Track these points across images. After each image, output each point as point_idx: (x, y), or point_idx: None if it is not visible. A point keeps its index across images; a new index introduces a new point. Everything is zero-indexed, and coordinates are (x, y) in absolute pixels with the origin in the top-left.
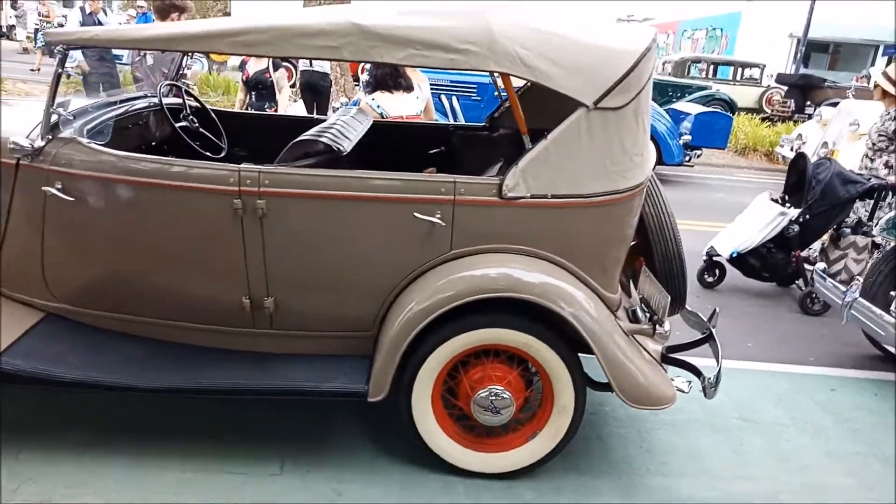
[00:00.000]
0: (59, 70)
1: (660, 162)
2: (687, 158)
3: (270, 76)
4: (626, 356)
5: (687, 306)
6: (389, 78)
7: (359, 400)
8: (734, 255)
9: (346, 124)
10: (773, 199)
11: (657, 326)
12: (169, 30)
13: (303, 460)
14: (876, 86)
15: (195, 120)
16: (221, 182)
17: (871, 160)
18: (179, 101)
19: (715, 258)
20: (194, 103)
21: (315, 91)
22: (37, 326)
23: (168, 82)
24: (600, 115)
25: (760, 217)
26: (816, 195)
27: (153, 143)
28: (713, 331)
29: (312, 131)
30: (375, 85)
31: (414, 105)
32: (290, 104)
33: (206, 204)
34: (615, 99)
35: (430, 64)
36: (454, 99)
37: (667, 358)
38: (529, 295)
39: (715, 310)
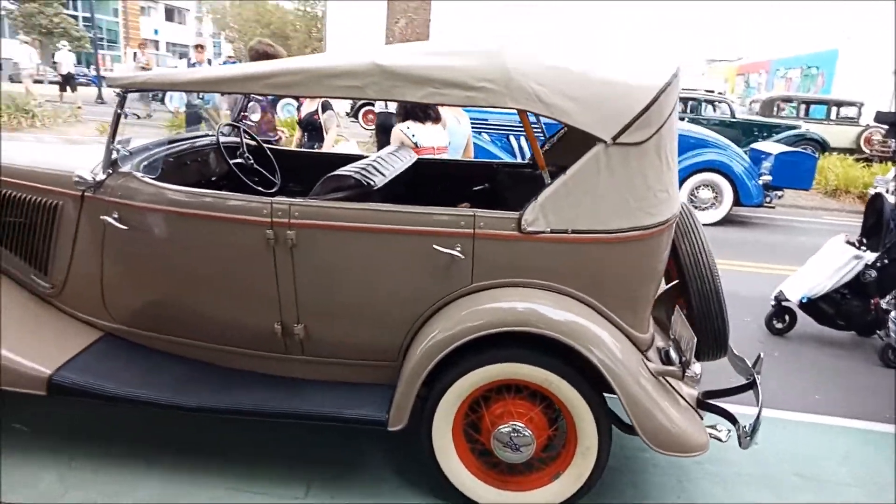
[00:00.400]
0: (119, 111)
1: (737, 203)
2: (767, 200)
3: (318, 118)
4: (651, 399)
5: (736, 351)
6: (419, 109)
7: (379, 428)
8: (804, 301)
9: (383, 160)
10: (848, 242)
11: (686, 369)
12: (212, 73)
13: (328, 486)
14: None
15: (250, 157)
16: (255, 213)
17: None
18: (238, 139)
19: (784, 303)
20: (251, 142)
21: (389, 132)
22: (95, 344)
23: (227, 122)
24: (620, 150)
25: (833, 260)
26: (895, 239)
27: (212, 179)
28: (756, 377)
29: (349, 167)
30: (405, 115)
31: (443, 137)
32: (335, 145)
33: (241, 234)
34: (635, 134)
35: (449, 101)
36: (523, 139)
37: (703, 403)
38: (554, 332)
39: (759, 355)
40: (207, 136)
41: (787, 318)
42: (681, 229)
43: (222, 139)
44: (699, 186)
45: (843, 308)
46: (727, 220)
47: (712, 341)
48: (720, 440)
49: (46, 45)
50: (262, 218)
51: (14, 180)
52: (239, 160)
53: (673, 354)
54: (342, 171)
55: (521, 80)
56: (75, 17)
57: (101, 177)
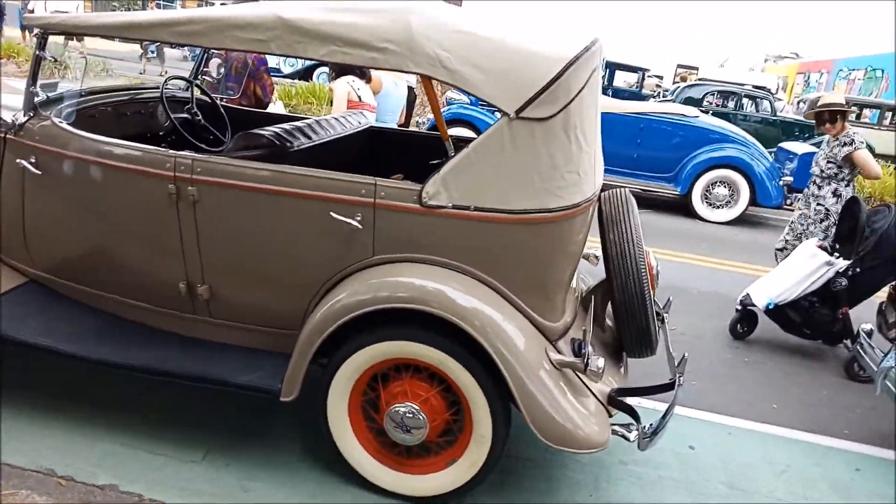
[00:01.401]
0: (38, 52)
1: (754, 203)
2: (788, 202)
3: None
4: (544, 390)
5: (672, 350)
6: (357, 66)
7: (271, 397)
8: (770, 307)
9: (318, 124)
10: (821, 247)
11: (589, 363)
12: (123, 19)
13: (225, 452)
14: (819, 115)
15: (198, 113)
16: (158, 166)
17: (819, 187)
18: (204, 97)
19: (749, 307)
20: (204, 98)
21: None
22: (15, 290)
23: (172, 75)
24: (524, 125)
25: (803, 266)
26: (869, 247)
27: (160, 133)
28: (678, 378)
29: (271, 127)
30: (341, 70)
31: (372, 96)
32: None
33: (146, 186)
34: (539, 109)
35: (353, 61)
36: None
37: (613, 400)
38: (445, 312)
39: (684, 355)
40: (154, 88)
41: (748, 322)
42: (611, 218)
43: (178, 94)
44: (715, 183)
45: (812, 317)
46: (742, 220)
47: (635, 338)
48: (627, 439)
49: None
50: (165, 171)
51: None
52: (185, 115)
53: (586, 347)
54: (259, 130)
55: (424, 43)
56: None
57: (21, 120)
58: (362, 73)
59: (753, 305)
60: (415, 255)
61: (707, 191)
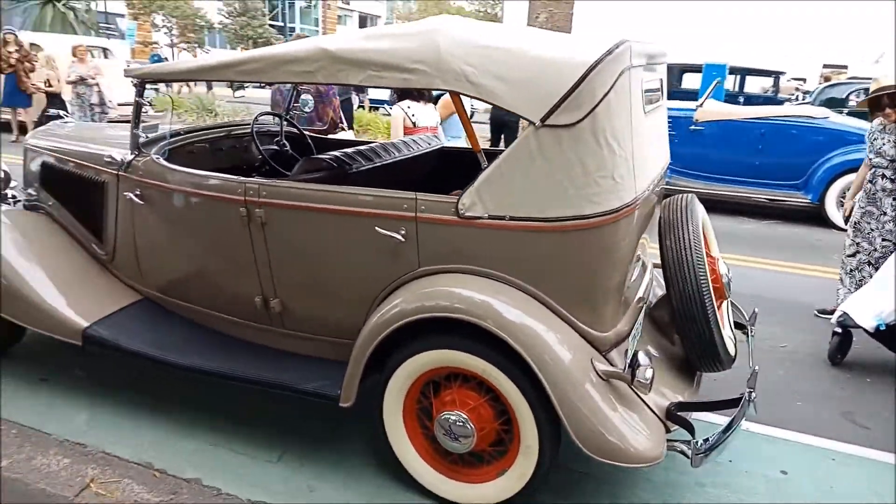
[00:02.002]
0: (138, 99)
1: None
2: None
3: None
4: (587, 400)
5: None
6: (415, 89)
7: (332, 403)
8: (881, 327)
9: (385, 148)
10: None
11: (636, 374)
12: (199, 64)
13: (300, 456)
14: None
15: (286, 144)
16: (231, 192)
17: (892, 181)
18: (292, 129)
19: (850, 328)
20: (293, 130)
21: (502, 125)
22: (130, 306)
23: (263, 112)
24: (551, 133)
25: None
26: None
27: (255, 165)
28: (748, 394)
29: (336, 151)
30: (402, 94)
31: (435, 116)
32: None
33: (223, 210)
34: (564, 116)
35: (388, 84)
36: None
37: (672, 414)
38: (481, 320)
39: (754, 370)
40: (248, 124)
41: (846, 346)
42: (668, 223)
43: (271, 128)
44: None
45: None
46: None
47: (699, 349)
48: (685, 455)
49: None
50: (236, 196)
51: (81, 161)
52: (274, 147)
53: (642, 358)
54: (322, 155)
55: (450, 60)
56: (281, 27)
57: (128, 158)
58: (420, 94)
59: (855, 326)
60: (458, 265)
61: (843, 197)
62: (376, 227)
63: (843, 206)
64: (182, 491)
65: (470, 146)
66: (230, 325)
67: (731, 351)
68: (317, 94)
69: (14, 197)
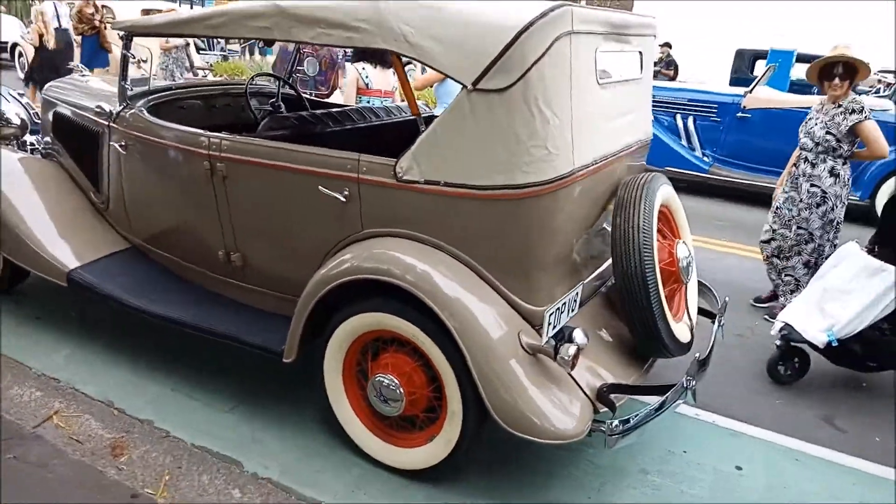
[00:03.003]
0: (124, 52)
1: None
2: None
3: None
4: (506, 371)
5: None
6: (373, 52)
7: (276, 358)
8: (833, 343)
9: (361, 113)
10: (869, 251)
11: (559, 350)
12: (173, 18)
13: (253, 407)
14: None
15: (282, 105)
16: (198, 145)
17: (813, 165)
18: (293, 92)
19: (795, 344)
20: (291, 92)
21: None
22: (117, 254)
23: (260, 72)
24: (482, 97)
25: (866, 286)
26: None
27: (249, 124)
28: (686, 381)
29: (309, 112)
30: (359, 55)
31: (391, 81)
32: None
33: (191, 163)
34: (495, 80)
35: (334, 42)
36: (690, 120)
37: (601, 394)
38: (406, 283)
39: (696, 356)
40: (243, 83)
41: (797, 362)
42: (620, 202)
43: (271, 88)
44: None
45: (878, 346)
46: None
47: (641, 332)
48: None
49: None
50: (201, 150)
51: (81, 112)
52: (268, 107)
53: (578, 335)
54: (290, 113)
55: (390, 19)
56: None
57: (116, 109)
58: (383, 59)
59: (801, 342)
60: (397, 230)
61: None
62: (319, 187)
63: None
64: (133, 430)
65: None
66: (200, 276)
67: (683, 338)
68: (329, 61)
69: (32, 144)
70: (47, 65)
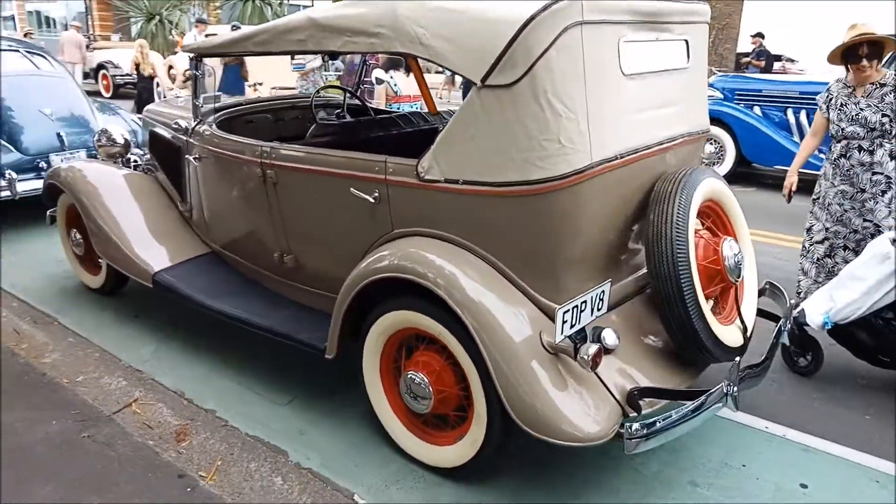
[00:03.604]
0: (194, 72)
1: None
2: None
3: None
4: (525, 371)
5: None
6: (397, 58)
7: (320, 354)
8: (827, 326)
9: (406, 118)
10: (893, 241)
11: (580, 349)
12: (228, 38)
13: (308, 403)
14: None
15: (346, 116)
16: (252, 154)
17: (870, 152)
18: (358, 103)
19: (805, 328)
20: (355, 102)
21: None
22: (197, 258)
23: (327, 84)
24: (492, 93)
25: (872, 270)
26: None
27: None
28: (726, 387)
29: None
30: (389, 65)
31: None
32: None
33: (248, 171)
34: (502, 76)
35: (360, 49)
36: (802, 114)
37: (631, 397)
38: (418, 278)
39: (737, 362)
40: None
41: (810, 351)
42: (655, 198)
43: (335, 99)
44: None
45: (887, 338)
46: None
47: (677, 332)
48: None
49: None
50: (255, 158)
51: (167, 128)
52: (333, 118)
53: (607, 335)
54: (336, 121)
55: (405, 23)
56: None
57: (191, 125)
58: (401, 65)
59: (807, 325)
60: (424, 229)
61: None
62: (351, 189)
63: None
64: (198, 419)
65: None
66: (263, 277)
67: (733, 342)
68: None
69: (135, 161)
70: (144, 91)
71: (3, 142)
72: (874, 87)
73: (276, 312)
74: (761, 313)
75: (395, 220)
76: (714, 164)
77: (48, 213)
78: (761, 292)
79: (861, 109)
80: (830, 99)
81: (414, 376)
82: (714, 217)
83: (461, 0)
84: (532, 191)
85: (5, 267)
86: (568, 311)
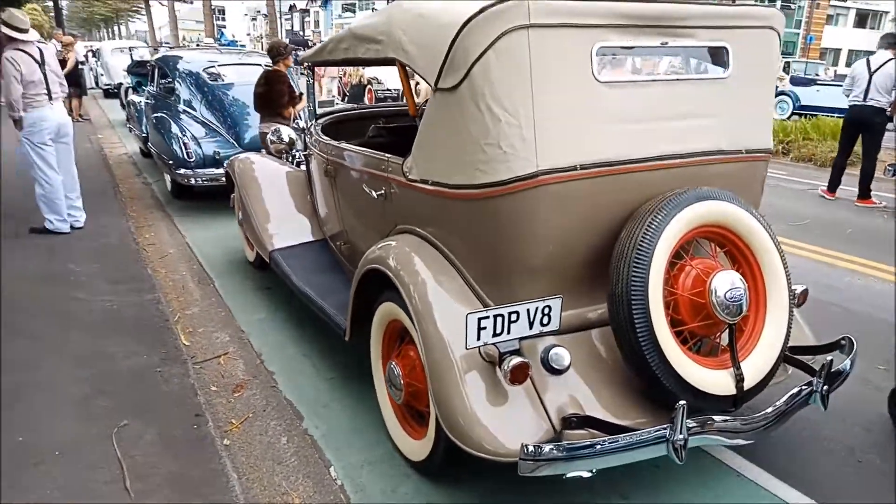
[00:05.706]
0: (309, 80)
1: None
2: None
3: None
4: (453, 373)
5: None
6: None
7: (342, 335)
8: None
9: None
10: None
11: (504, 360)
12: (314, 49)
13: (346, 379)
14: None
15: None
16: (323, 151)
17: None
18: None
19: None
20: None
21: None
22: (311, 243)
23: None
24: (442, 97)
25: None
26: None
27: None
28: (666, 430)
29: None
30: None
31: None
32: None
33: (325, 167)
34: (448, 79)
35: (373, 55)
36: None
37: (568, 420)
38: (384, 267)
39: (682, 408)
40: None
41: None
42: (636, 212)
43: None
44: None
45: None
46: None
47: (628, 361)
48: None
49: None
50: (324, 154)
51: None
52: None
53: (557, 353)
54: (391, 125)
55: (394, 30)
56: None
57: (307, 128)
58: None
59: None
60: (413, 227)
61: None
62: (363, 186)
63: None
64: (258, 377)
65: None
66: (341, 262)
67: (716, 389)
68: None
69: (298, 158)
70: None
71: (230, 138)
72: None
73: (334, 295)
74: (805, 368)
75: (396, 217)
76: None
77: (231, 196)
78: (833, 346)
79: None
80: None
81: (394, 367)
82: (731, 246)
83: (436, 3)
84: (476, 195)
85: (200, 237)
86: (485, 317)
